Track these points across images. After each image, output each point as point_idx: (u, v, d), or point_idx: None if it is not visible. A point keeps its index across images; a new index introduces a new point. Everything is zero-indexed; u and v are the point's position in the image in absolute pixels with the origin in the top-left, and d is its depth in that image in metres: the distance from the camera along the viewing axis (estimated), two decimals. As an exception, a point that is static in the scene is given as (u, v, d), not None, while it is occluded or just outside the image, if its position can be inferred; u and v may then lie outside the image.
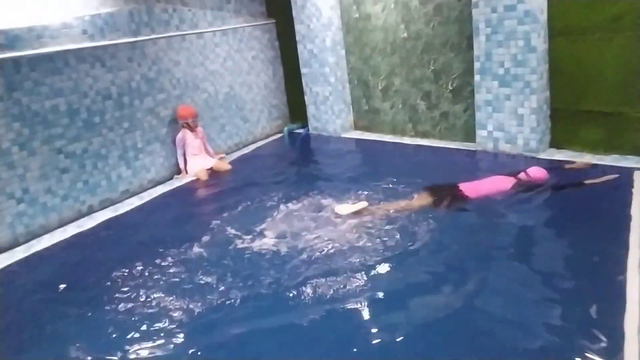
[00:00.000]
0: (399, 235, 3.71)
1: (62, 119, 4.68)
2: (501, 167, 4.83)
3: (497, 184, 4.24)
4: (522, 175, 4.24)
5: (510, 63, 4.86)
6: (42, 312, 3.36)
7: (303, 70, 6.80)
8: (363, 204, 4.11)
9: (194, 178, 5.62)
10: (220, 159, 6.05)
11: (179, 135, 5.65)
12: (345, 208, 4.13)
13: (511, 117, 5.01)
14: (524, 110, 4.91)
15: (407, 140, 6.17)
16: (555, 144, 5.10)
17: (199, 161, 5.75)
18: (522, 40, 4.74)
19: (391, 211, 4.05)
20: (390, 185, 4.67)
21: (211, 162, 5.82)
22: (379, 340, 2.69)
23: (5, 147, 4.30)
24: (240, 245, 3.88)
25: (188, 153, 5.72)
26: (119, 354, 2.81)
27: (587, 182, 4.09)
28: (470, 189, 4.17)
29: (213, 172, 5.72)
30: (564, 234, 3.54)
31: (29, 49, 4.42)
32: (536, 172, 4.24)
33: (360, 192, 4.60)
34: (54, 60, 4.58)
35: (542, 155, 4.94)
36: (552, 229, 3.67)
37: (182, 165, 5.71)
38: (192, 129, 5.67)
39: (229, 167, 5.86)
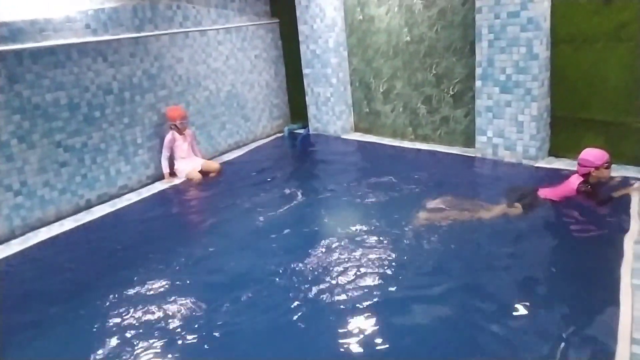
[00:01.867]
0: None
1: (63, 113, 4.68)
2: (499, 173, 4.86)
3: (565, 186, 4.03)
4: (578, 168, 3.96)
5: (512, 69, 4.86)
6: (34, 304, 3.37)
7: (305, 71, 6.80)
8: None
9: (184, 179, 5.48)
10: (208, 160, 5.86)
11: (168, 137, 5.46)
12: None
13: (511, 123, 5.01)
14: (524, 117, 4.91)
15: (407, 143, 6.16)
16: (554, 152, 5.09)
17: (188, 163, 5.56)
18: (524, 47, 4.73)
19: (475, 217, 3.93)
20: (391, 185, 4.69)
21: (200, 163, 5.62)
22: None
23: (5, 139, 4.30)
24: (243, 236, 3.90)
25: (176, 156, 5.53)
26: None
27: (615, 194, 3.93)
28: (548, 191, 4.07)
29: (202, 173, 5.54)
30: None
31: (32, 41, 4.42)
32: (586, 155, 3.90)
33: (359, 192, 4.62)
34: (56, 53, 4.58)
35: (541, 163, 4.94)
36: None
37: (165, 170, 5.49)
38: (180, 131, 5.48)
39: (217, 166, 5.68)
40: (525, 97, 4.83)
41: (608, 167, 3.91)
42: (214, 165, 5.72)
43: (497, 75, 4.95)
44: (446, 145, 5.86)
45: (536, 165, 4.91)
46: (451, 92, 5.65)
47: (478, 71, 5.08)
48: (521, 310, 2.84)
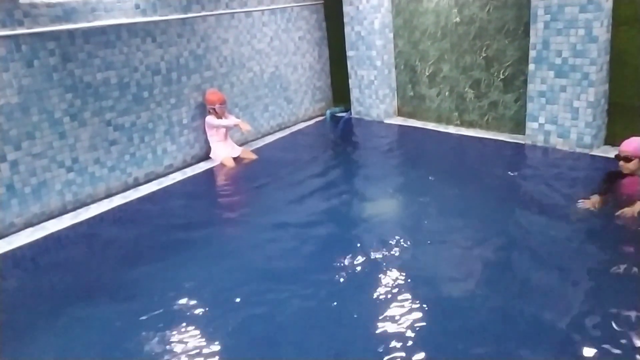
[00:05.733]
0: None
1: (113, 92, 4.78)
2: (552, 161, 4.69)
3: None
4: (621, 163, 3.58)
5: (569, 52, 4.63)
6: (85, 277, 3.49)
7: (349, 53, 6.70)
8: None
9: (218, 164, 5.44)
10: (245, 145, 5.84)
11: (208, 120, 5.39)
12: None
13: (566, 109, 4.79)
14: (579, 103, 4.69)
15: (452, 129, 6.01)
16: (611, 140, 4.85)
17: (224, 148, 5.53)
18: (583, 28, 4.50)
19: None
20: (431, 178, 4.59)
21: (238, 150, 5.60)
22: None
23: (58, 116, 4.43)
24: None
25: (213, 139, 5.51)
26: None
27: None
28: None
29: (239, 161, 5.50)
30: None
31: (84, 21, 4.51)
32: (626, 147, 3.57)
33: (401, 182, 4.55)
34: (107, 33, 4.67)
35: (596, 152, 4.72)
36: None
37: (233, 122, 5.40)
38: (218, 115, 5.40)
39: (254, 156, 5.61)
40: (582, 82, 4.61)
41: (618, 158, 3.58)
42: (251, 155, 5.63)
43: (553, 58, 4.73)
44: (493, 131, 5.68)
45: (591, 153, 4.70)
46: (501, 76, 5.45)
47: (532, 54, 4.87)
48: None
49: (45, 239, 4.11)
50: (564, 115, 4.81)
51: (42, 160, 4.35)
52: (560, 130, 4.88)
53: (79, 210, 4.58)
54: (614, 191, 3.69)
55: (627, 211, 3.47)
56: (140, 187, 5.01)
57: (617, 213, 3.50)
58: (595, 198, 3.66)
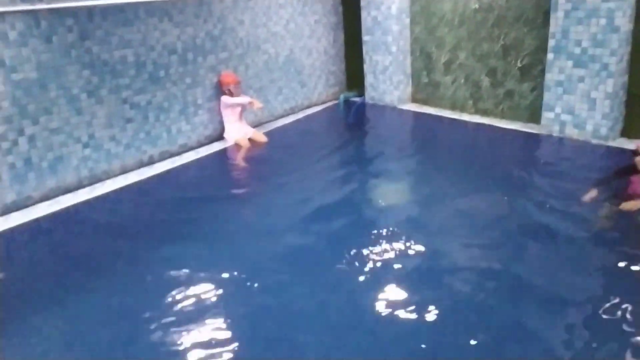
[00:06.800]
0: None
1: (129, 70, 4.81)
2: (566, 152, 4.66)
3: None
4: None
5: (589, 42, 4.57)
6: (99, 250, 3.55)
7: (365, 38, 6.66)
8: None
9: (232, 145, 5.49)
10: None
11: (223, 99, 5.43)
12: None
13: (583, 100, 4.75)
14: (597, 94, 4.64)
15: (466, 117, 5.98)
16: (627, 133, 4.81)
17: (239, 129, 5.56)
18: (604, 18, 4.44)
19: None
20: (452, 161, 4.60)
21: (250, 131, 5.64)
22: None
23: (75, 93, 4.47)
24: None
25: (228, 119, 5.54)
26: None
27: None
28: None
29: (250, 142, 5.52)
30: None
31: (102, -1, 4.54)
32: None
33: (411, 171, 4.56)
34: (125, 11, 4.68)
35: (612, 144, 4.69)
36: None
37: (247, 99, 5.46)
38: (233, 96, 5.44)
39: (265, 139, 5.63)
40: (601, 72, 4.56)
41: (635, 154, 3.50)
42: (262, 137, 5.65)
43: (572, 48, 4.68)
44: (508, 120, 5.64)
45: (607, 145, 4.66)
46: (519, 65, 5.40)
47: (551, 43, 4.82)
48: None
49: (61, 212, 4.18)
50: (581, 105, 4.77)
51: (59, 136, 4.41)
52: (577, 120, 4.84)
53: (94, 185, 4.65)
54: (616, 186, 3.64)
55: (631, 204, 3.45)
56: (155, 165, 5.06)
57: (621, 206, 3.48)
58: (594, 192, 3.63)
